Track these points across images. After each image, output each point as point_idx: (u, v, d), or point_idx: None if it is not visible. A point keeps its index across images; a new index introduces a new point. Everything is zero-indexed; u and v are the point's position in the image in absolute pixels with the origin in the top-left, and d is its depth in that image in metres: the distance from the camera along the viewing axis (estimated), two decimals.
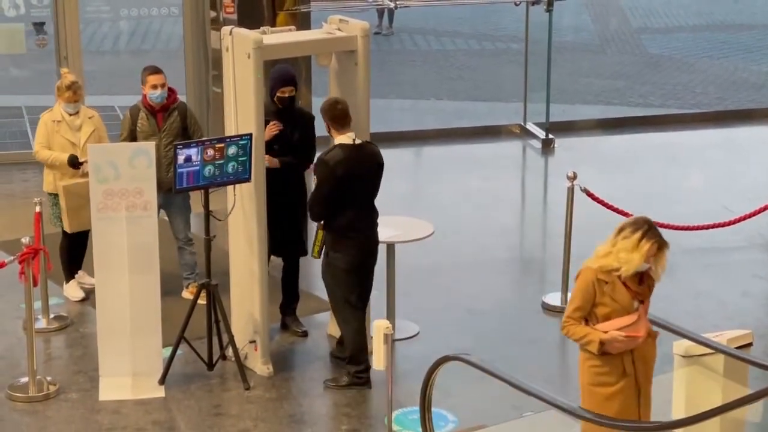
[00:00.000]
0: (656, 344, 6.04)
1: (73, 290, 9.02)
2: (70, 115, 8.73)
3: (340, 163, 7.46)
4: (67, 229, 8.79)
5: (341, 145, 7.53)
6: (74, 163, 8.61)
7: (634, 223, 5.83)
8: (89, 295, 8.90)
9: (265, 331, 7.92)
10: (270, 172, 7.89)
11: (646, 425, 5.87)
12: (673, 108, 15.51)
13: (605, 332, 5.84)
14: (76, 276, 9.07)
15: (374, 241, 7.82)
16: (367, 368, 7.76)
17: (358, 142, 7.58)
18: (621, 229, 5.83)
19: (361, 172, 7.57)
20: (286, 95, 8.15)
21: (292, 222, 8.28)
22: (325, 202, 7.51)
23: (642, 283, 5.93)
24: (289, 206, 8.22)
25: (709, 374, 6.41)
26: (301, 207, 8.21)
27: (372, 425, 7.38)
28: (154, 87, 8.61)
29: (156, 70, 8.67)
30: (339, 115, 7.55)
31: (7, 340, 8.47)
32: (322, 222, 7.64)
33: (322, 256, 7.72)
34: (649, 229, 5.79)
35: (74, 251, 8.99)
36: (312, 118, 8.38)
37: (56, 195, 8.75)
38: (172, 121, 8.75)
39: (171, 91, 8.76)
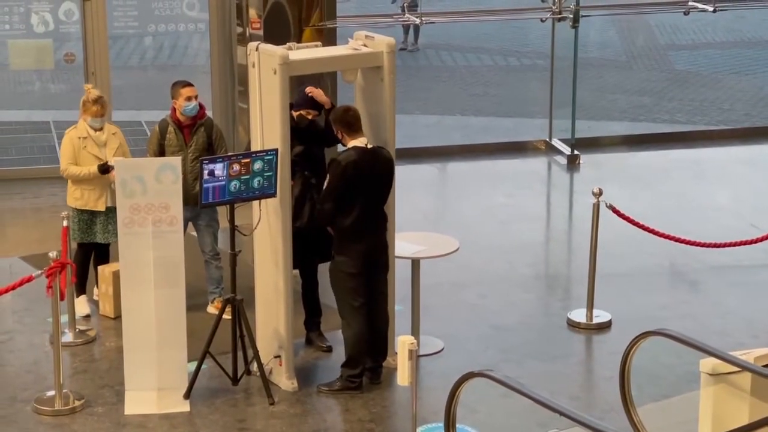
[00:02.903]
0: None
1: (81, 305, 9.02)
2: (96, 130, 8.79)
3: (351, 164, 7.60)
4: (111, 314, 8.91)
5: (355, 147, 7.68)
6: (104, 169, 8.68)
7: None
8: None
9: (289, 346, 7.93)
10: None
11: None
12: (700, 124, 15.45)
13: None
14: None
15: (381, 246, 7.89)
16: (362, 373, 7.82)
17: (370, 146, 7.70)
18: None
19: (372, 174, 7.68)
20: (310, 117, 8.20)
21: (309, 232, 8.26)
22: (336, 199, 7.62)
23: None
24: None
25: (735, 392, 6.36)
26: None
27: None
28: (189, 99, 8.69)
29: (188, 83, 8.78)
30: (352, 121, 7.70)
31: (34, 354, 8.51)
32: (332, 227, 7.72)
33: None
34: None
35: (86, 267, 9.02)
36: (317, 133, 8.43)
37: (80, 210, 8.79)
38: (198, 137, 8.79)
39: (200, 106, 8.82)
